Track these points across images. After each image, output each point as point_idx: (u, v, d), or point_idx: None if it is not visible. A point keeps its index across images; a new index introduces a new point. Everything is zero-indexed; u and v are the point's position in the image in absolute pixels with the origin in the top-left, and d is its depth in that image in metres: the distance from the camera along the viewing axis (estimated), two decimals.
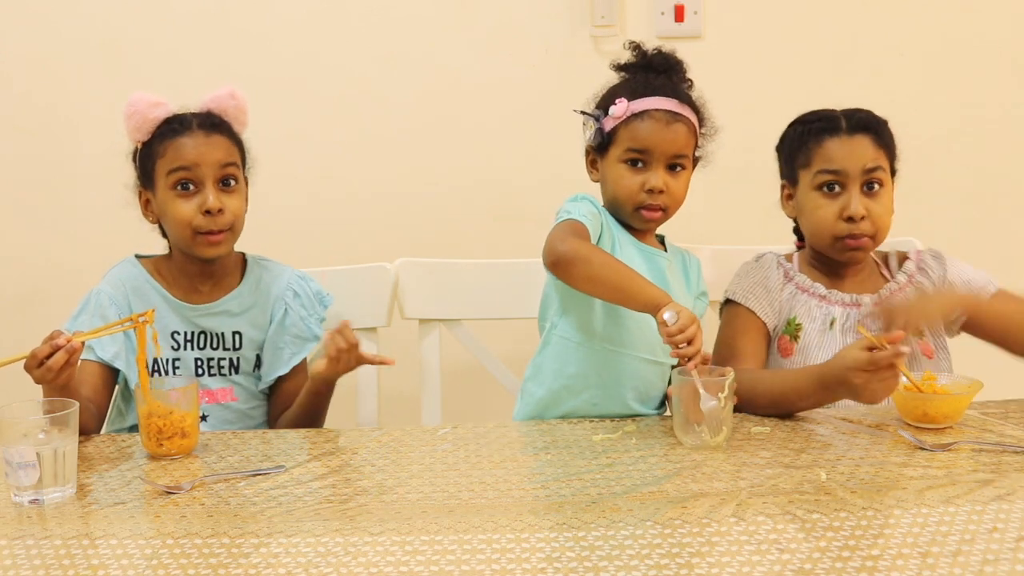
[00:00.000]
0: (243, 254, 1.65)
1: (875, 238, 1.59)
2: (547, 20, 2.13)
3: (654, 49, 1.56)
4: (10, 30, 2.14)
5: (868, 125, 1.59)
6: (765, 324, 1.62)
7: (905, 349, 1.32)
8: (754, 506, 1.09)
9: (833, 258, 1.62)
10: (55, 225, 2.18)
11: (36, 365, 1.29)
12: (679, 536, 1.02)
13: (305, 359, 1.63)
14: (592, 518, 1.07)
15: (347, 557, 0.99)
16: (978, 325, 1.58)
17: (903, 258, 1.68)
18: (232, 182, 1.54)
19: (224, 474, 1.25)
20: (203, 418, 1.58)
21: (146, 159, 1.55)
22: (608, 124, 1.51)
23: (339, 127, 2.17)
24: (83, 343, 1.33)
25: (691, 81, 1.58)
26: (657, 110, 1.49)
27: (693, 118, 1.53)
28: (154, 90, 1.58)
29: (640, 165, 1.50)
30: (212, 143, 1.53)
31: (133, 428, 1.55)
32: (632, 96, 1.50)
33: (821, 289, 1.62)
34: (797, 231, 1.70)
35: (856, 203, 1.56)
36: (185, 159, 1.51)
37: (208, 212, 1.50)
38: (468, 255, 1.89)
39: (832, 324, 1.59)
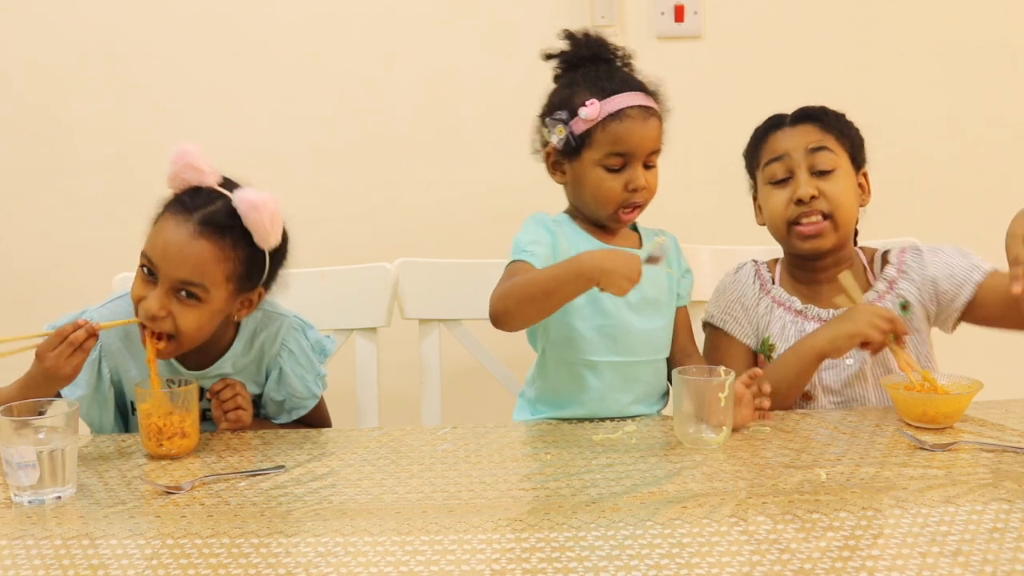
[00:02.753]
0: None
1: (834, 220, 1.52)
2: (547, 20, 2.13)
3: (582, 33, 1.52)
4: (9, 31, 2.14)
5: (813, 114, 1.57)
6: (747, 345, 1.60)
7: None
8: (754, 506, 1.09)
9: (796, 252, 1.57)
10: (54, 225, 2.18)
11: (58, 342, 1.29)
12: (679, 536, 1.02)
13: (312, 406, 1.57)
14: (592, 518, 1.07)
15: (347, 557, 0.99)
16: (978, 306, 1.52)
17: (886, 261, 1.60)
18: (191, 297, 1.35)
19: (224, 474, 1.25)
20: None
21: (156, 214, 1.41)
22: (579, 127, 1.46)
23: (339, 127, 2.17)
24: (98, 333, 1.33)
25: (632, 64, 1.53)
26: (631, 107, 1.45)
27: (658, 107, 1.50)
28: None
29: (620, 166, 1.47)
30: (190, 249, 1.33)
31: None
32: (601, 95, 1.45)
33: (797, 304, 1.58)
34: None
35: (804, 184, 1.52)
36: (153, 250, 1.35)
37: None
38: (468, 255, 1.89)
39: None
